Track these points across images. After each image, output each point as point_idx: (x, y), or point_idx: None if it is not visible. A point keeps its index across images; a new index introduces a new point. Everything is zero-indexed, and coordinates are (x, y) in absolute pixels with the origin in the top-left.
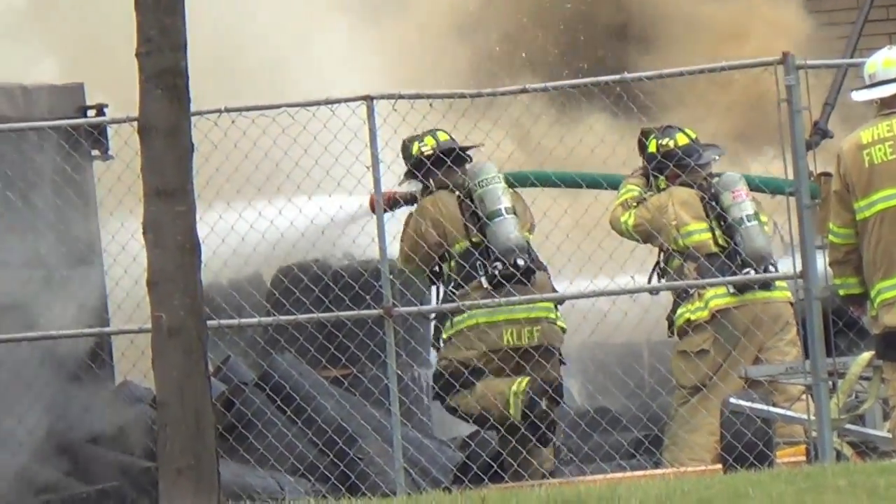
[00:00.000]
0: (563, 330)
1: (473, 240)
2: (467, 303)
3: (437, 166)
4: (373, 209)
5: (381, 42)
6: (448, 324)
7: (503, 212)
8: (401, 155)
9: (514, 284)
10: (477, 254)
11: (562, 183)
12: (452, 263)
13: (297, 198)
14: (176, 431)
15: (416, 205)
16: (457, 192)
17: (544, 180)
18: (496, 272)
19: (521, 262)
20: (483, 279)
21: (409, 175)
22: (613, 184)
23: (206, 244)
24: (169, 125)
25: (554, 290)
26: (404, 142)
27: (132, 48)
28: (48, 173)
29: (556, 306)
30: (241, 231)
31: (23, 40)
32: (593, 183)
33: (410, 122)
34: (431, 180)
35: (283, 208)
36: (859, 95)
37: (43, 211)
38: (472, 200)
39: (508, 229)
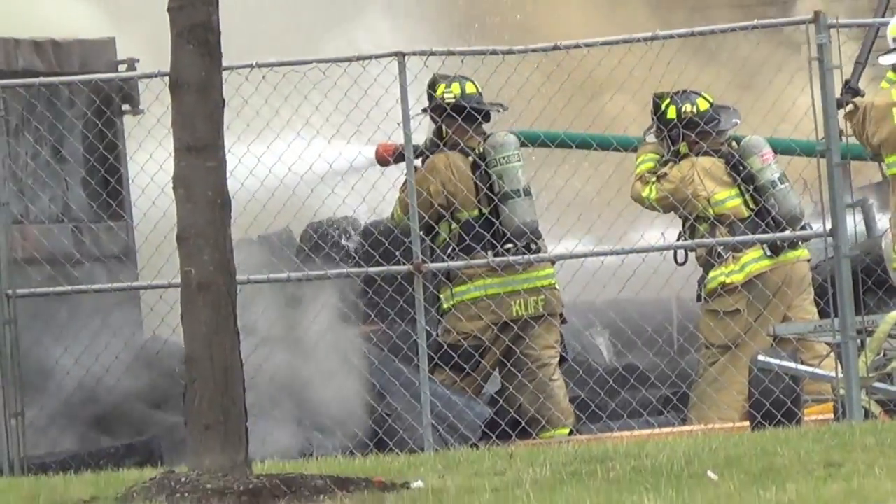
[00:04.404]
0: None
1: (480, 211)
2: (497, 259)
3: (455, 117)
4: (378, 160)
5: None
6: (448, 293)
7: (521, 192)
8: (426, 90)
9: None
10: (478, 227)
11: (572, 143)
12: (452, 228)
13: (323, 148)
14: (204, 387)
15: (422, 158)
16: (470, 157)
17: (554, 140)
18: (506, 253)
19: (532, 246)
20: (489, 253)
21: (427, 112)
22: (624, 144)
23: (236, 199)
24: (200, 80)
25: (551, 257)
26: (433, 78)
27: (164, 2)
28: (79, 128)
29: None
30: (272, 186)
31: None
32: (603, 143)
33: None
34: (445, 129)
35: (314, 163)
36: (886, 59)
37: (73, 165)
38: (485, 169)
39: (525, 211)
